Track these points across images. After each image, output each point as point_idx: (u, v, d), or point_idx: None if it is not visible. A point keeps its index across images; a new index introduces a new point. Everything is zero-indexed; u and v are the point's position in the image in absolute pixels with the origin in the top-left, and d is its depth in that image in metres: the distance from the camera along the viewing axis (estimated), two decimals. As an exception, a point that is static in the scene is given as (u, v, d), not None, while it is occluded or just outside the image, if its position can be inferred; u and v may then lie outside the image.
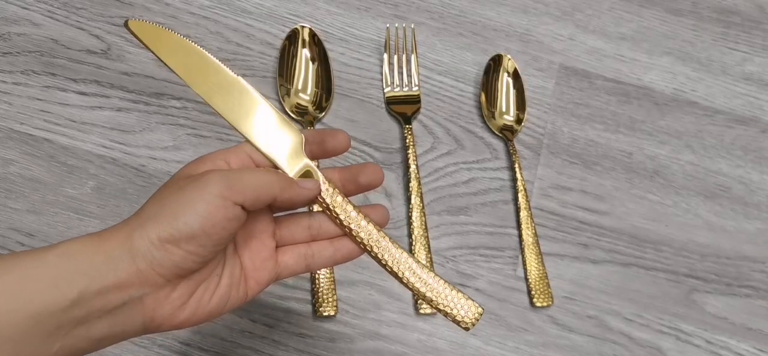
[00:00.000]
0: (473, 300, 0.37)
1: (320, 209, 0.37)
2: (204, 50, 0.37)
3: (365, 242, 0.37)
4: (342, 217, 0.37)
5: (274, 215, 0.38)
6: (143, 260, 0.31)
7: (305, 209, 0.38)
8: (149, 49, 0.37)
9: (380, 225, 0.37)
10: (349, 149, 0.55)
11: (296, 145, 0.37)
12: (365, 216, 0.37)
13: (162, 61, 0.37)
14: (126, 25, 0.37)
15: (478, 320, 0.37)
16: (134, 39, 0.57)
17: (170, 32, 0.37)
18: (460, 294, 0.37)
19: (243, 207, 0.33)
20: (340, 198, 0.37)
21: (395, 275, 0.37)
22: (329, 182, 0.37)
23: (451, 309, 0.37)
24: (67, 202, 0.51)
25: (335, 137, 0.37)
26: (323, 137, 0.37)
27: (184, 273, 0.32)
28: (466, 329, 0.37)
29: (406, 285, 0.37)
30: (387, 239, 0.37)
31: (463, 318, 0.37)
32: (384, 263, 0.37)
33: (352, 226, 0.37)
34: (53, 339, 0.30)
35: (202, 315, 0.34)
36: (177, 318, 0.33)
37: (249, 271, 0.36)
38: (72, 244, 0.31)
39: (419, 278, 0.37)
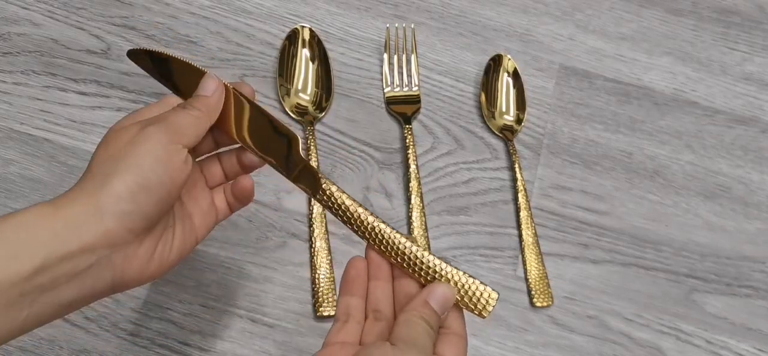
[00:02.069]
0: (486, 285, 0.35)
1: (323, 207, 0.37)
2: (194, 63, 0.38)
3: (371, 231, 0.36)
4: (339, 202, 0.36)
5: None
6: (112, 218, 0.31)
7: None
8: (153, 76, 0.39)
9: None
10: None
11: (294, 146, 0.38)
12: (361, 205, 0.36)
13: (164, 85, 0.39)
14: (129, 55, 0.39)
15: (494, 307, 0.35)
16: (135, 38, 0.57)
17: (160, 52, 0.38)
18: (471, 280, 0.35)
19: (189, 150, 0.34)
20: (335, 189, 0.37)
21: (400, 264, 0.35)
22: (325, 179, 0.37)
23: (462, 296, 0.35)
24: (67, 202, 0.51)
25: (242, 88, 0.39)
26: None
27: (152, 224, 0.33)
28: (482, 317, 0.35)
29: (407, 269, 0.35)
30: (393, 230, 0.36)
31: (475, 304, 0.35)
32: (391, 247, 0.35)
33: (343, 203, 0.36)
34: (19, 308, 0.30)
35: (167, 265, 0.35)
36: (144, 274, 0.34)
37: (196, 219, 0.38)
38: (25, 215, 0.31)
39: (427, 262, 0.35)
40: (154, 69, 0.39)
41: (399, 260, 0.36)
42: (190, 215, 0.38)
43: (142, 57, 0.39)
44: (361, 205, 0.37)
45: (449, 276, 0.35)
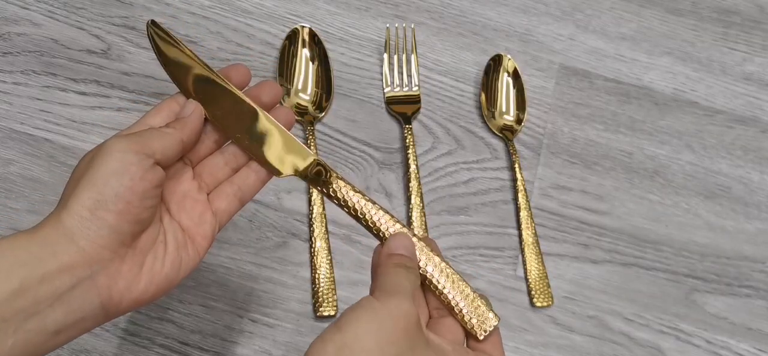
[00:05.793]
0: (489, 307, 0.35)
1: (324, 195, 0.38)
2: (216, 76, 0.37)
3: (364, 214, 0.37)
4: (345, 197, 0.37)
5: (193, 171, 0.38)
6: (81, 237, 0.31)
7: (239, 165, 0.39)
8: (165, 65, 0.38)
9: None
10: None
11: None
12: (374, 202, 0.37)
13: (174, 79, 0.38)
14: (149, 26, 0.39)
15: (488, 332, 0.34)
16: (135, 38, 0.57)
17: (185, 48, 0.38)
18: (475, 295, 0.35)
19: (157, 163, 0.34)
20: (340, 182, 0.37)
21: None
22: (333, 174, 0.37)
23: (460, 311, 0.35)
24: (67, 202, 0.51)
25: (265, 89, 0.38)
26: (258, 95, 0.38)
27: (126, 239, 0.32)
28: (476, 337, 0.34)
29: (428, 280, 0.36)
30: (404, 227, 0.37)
31: (473, 323, 0.34)
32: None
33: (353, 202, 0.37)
34: (3, 334, 0.29)
35: (160, 283, 0.34)
36: (134, 292, 0.33)
37: (190, 230, 0.36)
38: (1, 242, 0.30)
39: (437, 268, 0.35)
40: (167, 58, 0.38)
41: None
42: (184, 227, 0.36)
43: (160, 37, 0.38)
44: (364, 195, 0.37)
45: (451, 281, 0.35)
